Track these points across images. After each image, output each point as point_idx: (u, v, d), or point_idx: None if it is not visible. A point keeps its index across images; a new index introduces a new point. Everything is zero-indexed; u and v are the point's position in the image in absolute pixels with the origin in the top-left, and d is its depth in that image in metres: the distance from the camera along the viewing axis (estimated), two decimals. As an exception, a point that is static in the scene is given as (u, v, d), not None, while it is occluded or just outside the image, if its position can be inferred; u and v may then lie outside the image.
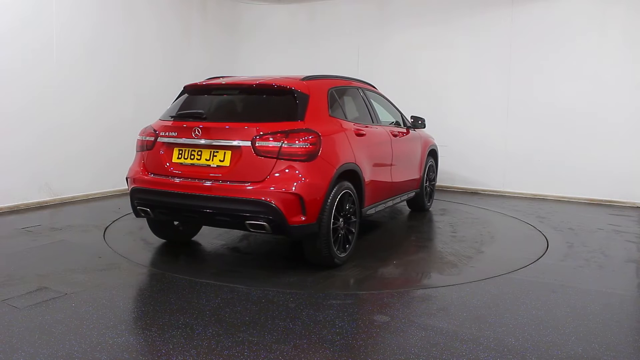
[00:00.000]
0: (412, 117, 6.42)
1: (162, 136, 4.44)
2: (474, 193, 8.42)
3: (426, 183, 6.74)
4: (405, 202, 6.78)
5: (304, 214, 4.00)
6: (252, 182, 4.00)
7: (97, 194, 7.35)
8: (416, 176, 6.36)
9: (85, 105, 7.20)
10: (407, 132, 6.16)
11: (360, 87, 5.60)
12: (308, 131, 4.13)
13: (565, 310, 3.55)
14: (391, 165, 5.50)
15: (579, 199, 7.79)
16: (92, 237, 5.30)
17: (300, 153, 4.04)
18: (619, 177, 7.49)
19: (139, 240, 5.28)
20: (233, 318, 3.34)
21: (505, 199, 7.92)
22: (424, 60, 8.75)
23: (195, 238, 5.37)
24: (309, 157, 4.07)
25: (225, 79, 4.90)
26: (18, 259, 4.51)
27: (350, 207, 4.51)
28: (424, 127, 6.48)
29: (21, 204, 6.53)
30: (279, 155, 4.01)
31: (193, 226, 5.28)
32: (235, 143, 4.10)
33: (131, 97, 7.75)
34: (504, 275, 4.32)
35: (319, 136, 4.16)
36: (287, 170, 4.00)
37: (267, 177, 3.98)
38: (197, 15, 9.12)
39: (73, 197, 7.13)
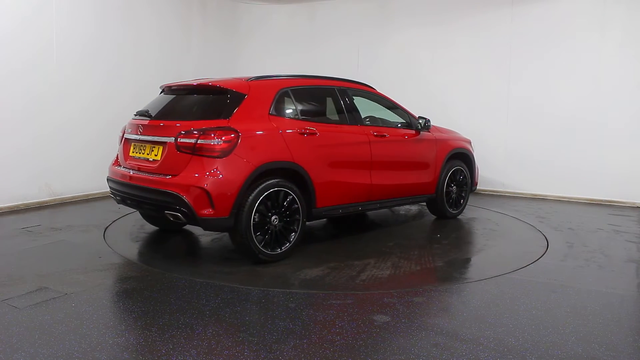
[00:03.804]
0: (418, 117, 6.12)
1: (126, 133, 5.01)
2: (474, 193, 8.40)
3: (450, 188, 6.34)
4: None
5: (213, 208, 4.20)
6: (172, 176, 4.33)
7: (97, 193, 7.35)
8: (426, 180, 6.05)
9: (84, 105, 7.20)
10: (415, 134, 5.92)
11: (342, 87, 5.46)
12: (224, 129, 4.33)
13: (565, 310, 3.55)
14: (371, 166, 5.35)
15: (579, 199, 7.79)
16: (92, 237, 5.30)
17: (213, 149, 4.26)
18: (619, 177, 7.48)
19: (139, 240, 5.29)
20: (233, 318, 3.35)
21: (505, 199, 7.92)
22: (424, 60, 8.74)
23: (195, 235, 5.37)
24: (222, 153, 4.26)
25: (194, 81, 5.18)
26: (18, 259, 4.52)
27: (292, 206, 4.59)
28: (428, 128, 6.11)
29: (21, 204, 6.53)
30: (194, 151, 4.28)
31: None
32: (164, 139, 4.49)
33: (131, 97, 7.73)
34: (504, 275, 4.32)
35: (237, 134, 4.32)
36: (199, 165, 4.26)
37: (182, 171, 4.29)
38: (197, 16, 9.12)
39: (73, 197, 7.13)
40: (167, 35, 8.46)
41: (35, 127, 6.63)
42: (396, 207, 7.00)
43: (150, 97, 5.49)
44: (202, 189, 4.17)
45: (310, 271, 4.35)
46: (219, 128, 4.32)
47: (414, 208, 7.09)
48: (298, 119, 4.89)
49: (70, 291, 3.74)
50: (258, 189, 4.36)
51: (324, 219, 6.20)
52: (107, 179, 5.10)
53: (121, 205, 5.01)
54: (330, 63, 9.25)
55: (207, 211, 4.20)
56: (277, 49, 9.82)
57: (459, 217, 6.59)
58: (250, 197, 4.32)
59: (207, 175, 4.20)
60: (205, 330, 3.15)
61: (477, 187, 7.13)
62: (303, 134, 4.77)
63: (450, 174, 6.33)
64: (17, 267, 4.29)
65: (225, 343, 2.98)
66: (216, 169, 4.23)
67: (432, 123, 6.20)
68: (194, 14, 9.05)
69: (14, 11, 6.35)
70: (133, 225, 5.79)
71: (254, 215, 4.34)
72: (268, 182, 4.42)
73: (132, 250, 4.97)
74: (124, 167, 4.90)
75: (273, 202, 4.48)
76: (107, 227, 5.67)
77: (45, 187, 6.81)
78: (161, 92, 5.25)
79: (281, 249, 4.57)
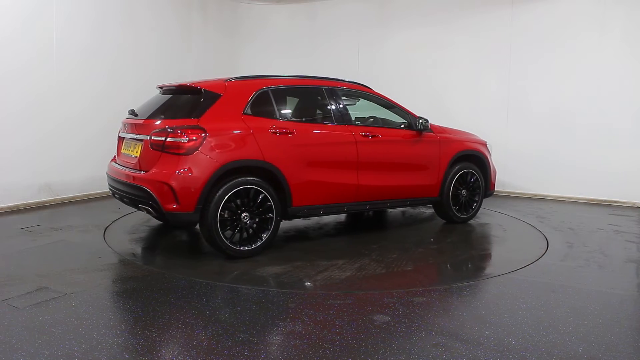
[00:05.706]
0: (418, 117, 5.88)
1: (121, 131, 5.29)
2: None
3: (459, 191, 6.05)
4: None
5: (177, 203, 4.37)
6: (145, 172, 4.56)
7: (97, 193, 7.34)
8: (427, 182, 5.82)
9: (84, 105, 7.20)
10: (415, 135, 5.73)
11: (331, 87, 5.38)
12: (192, 127, 4.48)
13: (565, 310, 3.55)
14: (357, 167, 5.23)
15: (579, 199, 7.79)
16: (92, 237, 5.30)
17: (180, 147, 4.43)
18: (619, 177, 7.48)
19: (139, 240, 5.29)
20: (233, 318, 3.35)
21: (505, 199, 7.92)
22: (424, 60, 8.74)
23: (194, 232, 5.37)
24: (188, 151, 4.41)
25: (178, 82, 5.33)
26: (18, 259, 4.52)
27: (265, 204, 4.64)
28: (426, 128, 5.90)
29: (21, 204, 6.53)
30: (163, 148, 4.48)
31: None
32: (142, 137, 4.71)
33: (131, 98, 7.69)
34: (504, 275, 4.32)
35: (204, 133, 4.45)
36: (166, 162, 4.45)
37: (152, 167, 4.51)
38: (197, 16, 9.12)
39: (73, 197, 7.13)
40: (167, 35, 8.45)
41: (35, 127, 6.62)
42: (409, 210, 6.95)
43: (150, 97, 5.51)
44: (167, 184, 4.35)
45: (271, 268, 4.36)
46: (187, 127, 4.48)
47: (428, 211, 6.90)
48: (275, 118, 4.92)
49: (70, 291, 3.74)
50: (225, 186, 4.46)
51: (324, 219, 6.21)
52: (106, 174, 5.33)
53: (120, 203, 5.15)
54: (331, 63, 9.25)
55: (173, 206, 4.37)
56: (277, 49, 9.82)
57: (470, 221, 6.28)
58: (218, 194, 4.43)
59: (173, 172, 4.38)
60: (205, 330, 3.15)
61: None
62: (277, 133, 4.78)
63: (458, 177, 6.02)
64: (17, 267, 4.29)
65: (225, 343, 2.98)
66: (182, 165, 4.39)
67: (435, 124, 6.07)
68: (194, 14, 9.05)
69: (14, 12, 6.35)
70: (133, 225, 5.79)
71: (222, 211, 4.45)
72: (236, 180, 4.50)
73: (132, 251, 4.97)
74: (117, 163, 5.16)
75: (243, 200, 4.54)
76: (107, 227, 5.67)
77: (45, 187, 6.81)
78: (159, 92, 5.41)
79: (251, 246, 4.62)
